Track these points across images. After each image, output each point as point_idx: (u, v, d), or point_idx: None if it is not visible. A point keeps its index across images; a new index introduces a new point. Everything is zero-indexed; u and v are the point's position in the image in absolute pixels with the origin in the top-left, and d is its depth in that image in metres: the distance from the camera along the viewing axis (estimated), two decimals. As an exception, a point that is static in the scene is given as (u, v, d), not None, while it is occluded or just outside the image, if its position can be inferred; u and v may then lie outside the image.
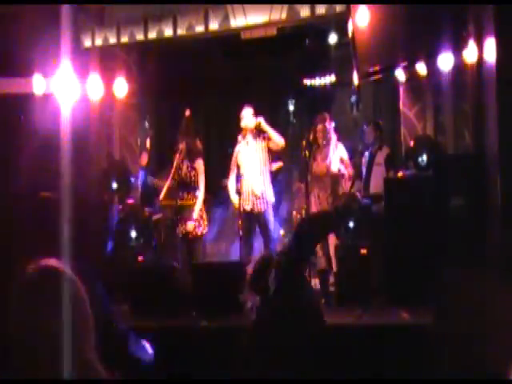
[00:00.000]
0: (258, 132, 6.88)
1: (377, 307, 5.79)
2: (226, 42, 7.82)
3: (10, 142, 6.85)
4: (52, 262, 1.74)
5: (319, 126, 6.96)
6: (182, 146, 7.21)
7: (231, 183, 7.01)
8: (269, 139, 6.83)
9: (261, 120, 6.83)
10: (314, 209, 6.85)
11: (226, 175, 7.44)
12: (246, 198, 6.83)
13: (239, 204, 6.71)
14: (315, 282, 6.69)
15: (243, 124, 6.88)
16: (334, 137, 7.00)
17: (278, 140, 6.82)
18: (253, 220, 6.85)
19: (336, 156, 6.94)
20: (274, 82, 9.61)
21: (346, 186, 7.24)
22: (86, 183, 7.06)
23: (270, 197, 6.92)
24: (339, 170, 6.99)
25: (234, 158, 7.00)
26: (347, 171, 7.09)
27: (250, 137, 6.90)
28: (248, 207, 6.82)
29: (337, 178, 6.98)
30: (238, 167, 6.94)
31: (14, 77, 7.01)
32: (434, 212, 5.72)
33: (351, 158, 7.37)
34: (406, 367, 4.46)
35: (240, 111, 6.93)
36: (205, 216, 7.32)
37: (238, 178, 6.92)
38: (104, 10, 7.34)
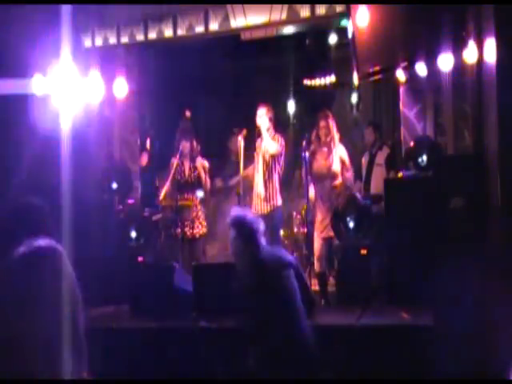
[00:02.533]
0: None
1: (377, 307, 5.79)
2: (226, 42, 7.82)
3: (10, 143, 6.85)
4: (45, 241, 1.70)
5: (322, 123, 6.90)
6: (182, 146, 7.24)
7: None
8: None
9: (261, 125, 6.76)
10: (314, 209, 6.83)
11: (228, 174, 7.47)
12: (254, 201, 6.79)
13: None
14: (314, 283, 6.70)
15: (258, 122, 6.84)
16: (336, 135, 6.93)
17: (270, 148, 6.75)
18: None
19: (337, 155, 6.88)
20: (274, 82, 9.61)
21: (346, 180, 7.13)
22: (85, 183, 7.06)
23: (277, 199, 6.86)
24: (341, 173, 6.92)
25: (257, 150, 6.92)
26: (348, 174, 7.01)
27: (263, 136, 6.85)
28: (254, 209, 6.75)
29: (338, 177, 6.92)
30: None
31: (13, 77, 7.00)
32: (434, 212, 5.72)
33: (351, 158, 7.29)
34: (406, 367, 4.46)
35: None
36: (203, 216, 7.35)
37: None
38: (104, 10, 7.34)
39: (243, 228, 3.99)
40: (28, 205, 2.67)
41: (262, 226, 4.04)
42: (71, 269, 1.70)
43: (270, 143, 6.74)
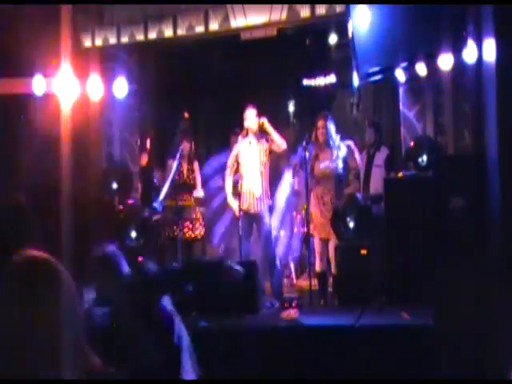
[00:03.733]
0: (261, 133, 6.81)
1: (377, 307, 5.79)
2: (226, 42, 7.81)
3: (11, 143, 6.85)
4: (38, 252, 1.69)
5: (320, 122, 6.88)
6: (183, 146, 7.25)
7: (228, 184, 6.93)
8: (271, 141, 6.76)
9: (264, 120, 6.75)
10: (315, 210, 6.80)
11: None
12: (245, 199, 6.77)
13: (238, 205, 6.67)
14: (314, 283, 6.70)
15: (246, 124, 6.80)
16: (337, 136, 6.92)
17: (279, 142, 6.72)
18: (251, 220, 6.79)
19: (340, 157, 6.87)
20: (274, 82, 9.60)
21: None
22: (86, 184, 7.06)
23: (268, 198, 6.84)
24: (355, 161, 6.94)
25: (232, 157, 6.90)
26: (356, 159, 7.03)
27: (252, 137, 6.81)
28: (246, 207, 6.76)
29: (341, 178, 6.91)
30: (238, 166, 6.89)
31: (14, 77, 7.01)
32: (434, 212, 5.72)
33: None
34: (406, 367, 4.46)
35: (240, 112, 6.91)
36: (201, 217, 7.35)
37: (237, 178, 6.86)
38: (104, 10, 7.35)
39: (103, 262, 4.03)
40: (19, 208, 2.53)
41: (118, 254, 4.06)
42: (68, 279, 1.68)
43: (279, 138, 6.72)
